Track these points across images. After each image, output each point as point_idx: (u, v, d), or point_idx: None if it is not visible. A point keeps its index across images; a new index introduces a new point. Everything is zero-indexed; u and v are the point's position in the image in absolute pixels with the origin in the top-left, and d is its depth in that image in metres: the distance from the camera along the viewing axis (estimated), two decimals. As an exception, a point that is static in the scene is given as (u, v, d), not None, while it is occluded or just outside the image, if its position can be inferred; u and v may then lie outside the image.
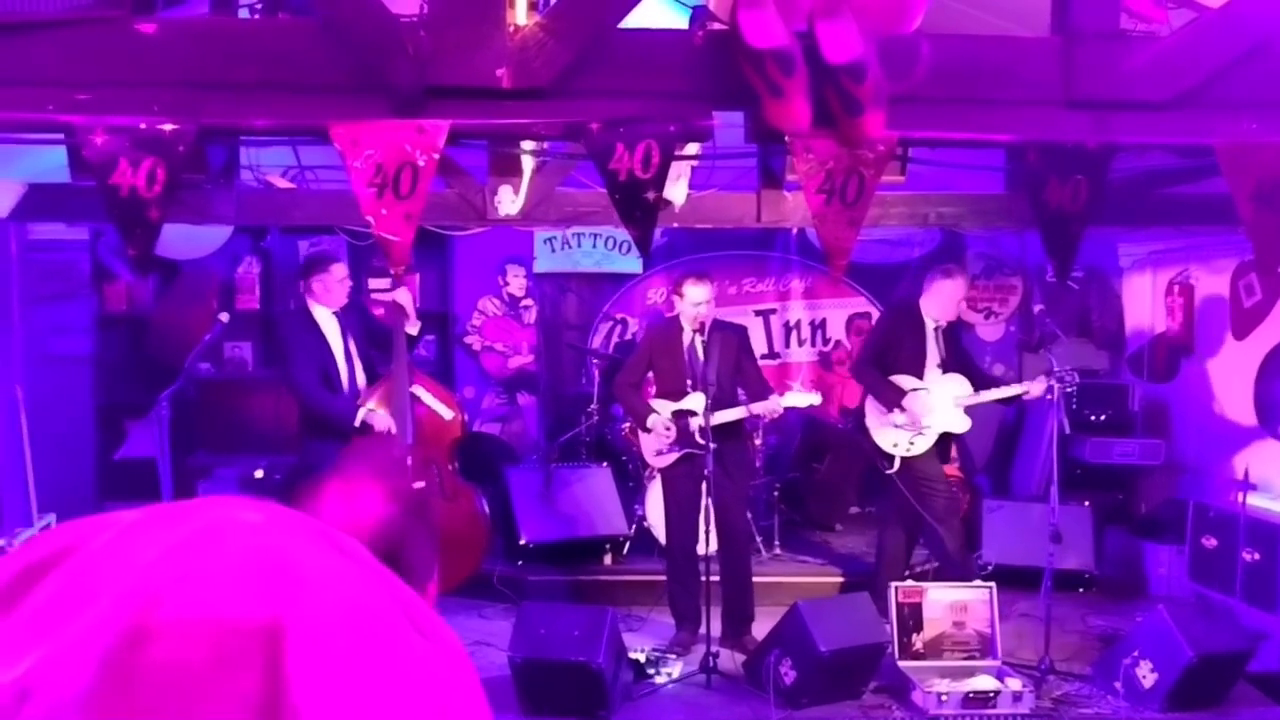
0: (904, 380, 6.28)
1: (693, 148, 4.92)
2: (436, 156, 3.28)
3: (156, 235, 3.29)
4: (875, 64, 3.26)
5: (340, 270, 5.89)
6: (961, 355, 6.47)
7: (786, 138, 3.41)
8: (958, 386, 6.29)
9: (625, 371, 6.30)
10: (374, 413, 5.87)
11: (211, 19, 3.78)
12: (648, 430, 6.05)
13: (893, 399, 6.25)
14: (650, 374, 6.24)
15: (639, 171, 3.27)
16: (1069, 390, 6.17)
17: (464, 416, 6.36)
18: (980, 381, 6.40)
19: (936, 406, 6.25)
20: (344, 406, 5.84)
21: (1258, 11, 3.48)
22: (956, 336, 6.51)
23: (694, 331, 5.95)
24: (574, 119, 3.37)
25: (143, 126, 3.15)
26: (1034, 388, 6.11)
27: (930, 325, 6.33)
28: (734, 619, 6.08)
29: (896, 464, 6.28)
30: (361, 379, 6.03)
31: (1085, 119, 3.49)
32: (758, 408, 6.01)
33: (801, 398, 6.28)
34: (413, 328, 6.13)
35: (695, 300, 5.87)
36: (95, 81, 3.21)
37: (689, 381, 6.04)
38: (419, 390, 6.14)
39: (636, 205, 3.33)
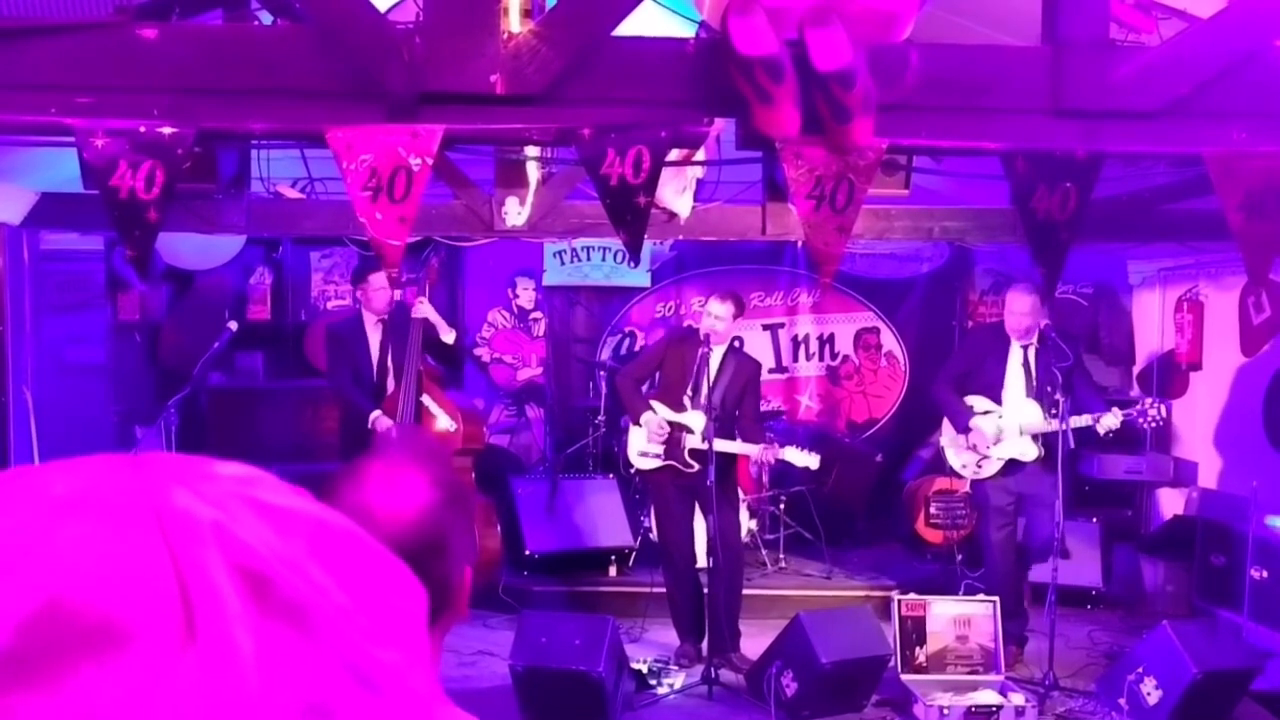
0: (978, 402, 6.10)
1: (699, 156, 4.98)
2: (430, 161, 3.33)
3: (155, 237, 3.36)
4: (864, 72, 3.30)
5: (378, 280, 6.09)
6: (1059, 383, 5.84)
7: (776, 144, 3.45)
8: (1031, 414, 5.99)
9: (634, 366, 6.45)
10: (380, 418, 6.05)
11: (210, 26, 3.86)
12: (639, 425, 6.09)
13: (960, 420, 6.09)
14: (658, 377, 6.27)
15: (630, 177, 3.32)
16: (1153, 425, 6.01)
17: (485, 429, 6.41)
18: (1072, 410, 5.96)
19: (1006, 432, 6.01)
20: (363, 401, 6.13)
21: (1247, 21, 3.50)
22: (1061, 364, 5.90)
23: (705, 342, 5.97)
24: (567, 125, 3.43)
25: (142, 130, 3.23)
26: (1107, 420, 5.82)
27: (1016, 346, 6.08)
28: (721, 637, 5.94)
29: (967, 485, 6.24)
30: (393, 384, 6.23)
31: (1074, 128, 3.51)
32: (754, 451, 5.98)
33: (799, 456, 5.99)
34: (447, 335, 6.23)
35: (711, 312, 6.01)
36: (96, 85, 3.29)
37: (689, 394, 6.06)
38: (426, 399, 6.19)
39: (627, 210, 3.37)
